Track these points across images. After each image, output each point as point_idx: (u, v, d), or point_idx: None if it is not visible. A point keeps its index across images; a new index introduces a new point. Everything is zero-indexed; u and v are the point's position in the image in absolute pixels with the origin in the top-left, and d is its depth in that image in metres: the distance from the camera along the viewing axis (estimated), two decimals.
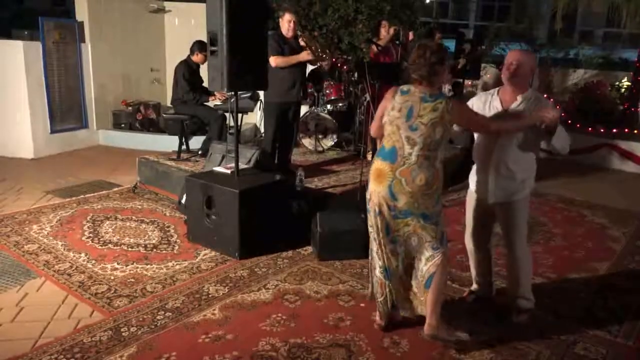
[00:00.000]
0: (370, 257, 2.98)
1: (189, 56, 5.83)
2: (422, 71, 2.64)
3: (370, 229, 2.88)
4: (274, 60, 4.66)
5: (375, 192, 2.74)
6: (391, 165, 2.67)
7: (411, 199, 2.67)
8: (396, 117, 2.67)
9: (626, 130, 7.71)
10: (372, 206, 2.79)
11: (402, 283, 2.89)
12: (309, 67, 6.49)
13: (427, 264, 2.76)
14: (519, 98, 2.87)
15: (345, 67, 7.04)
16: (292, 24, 4.76)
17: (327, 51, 5.30)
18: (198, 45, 5.74)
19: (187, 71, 5.72)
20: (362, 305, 3.27)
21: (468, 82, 7.68)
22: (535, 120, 2.73)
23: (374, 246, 2.89)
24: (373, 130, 2.94)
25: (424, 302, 2.81)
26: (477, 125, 2.86)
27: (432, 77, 2.65)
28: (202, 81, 5.88)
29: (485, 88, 7.80)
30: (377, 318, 3.01)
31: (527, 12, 11.89)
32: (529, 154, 2.91)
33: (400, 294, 2.91)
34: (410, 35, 5.86)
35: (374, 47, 5.68)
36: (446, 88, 7.43)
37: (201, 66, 5.69)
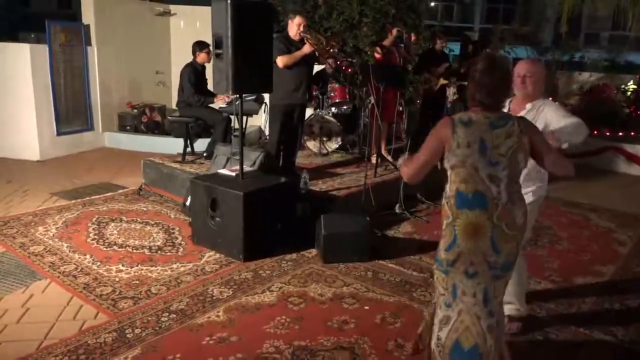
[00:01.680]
0: (435, 331, 2.31)
1: (193, 59, 5.85)
2: (492, 92, 2.17)
3: (443, 293, 2.27)
4: (281, 60, 4.67)
5: (471, 250, 2.16)
6: (486, 213, 2.15)
7: (514, 245, 2.19)
8: (467, 156, 2.14)
9: (632, 133, 7.67)
10: (460, 267, 2.19)
11: None
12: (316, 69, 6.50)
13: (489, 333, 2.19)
14: (528, 106, 2.83)
15: (349, 69, 7.05)
16: (302, 27, 4.77)
17: (333, 43, 5.26)
18: (197, 46, 5.77)
19: (193, 74, 5.74)
20: (367, 308, 3.27)
21: None
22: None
23: (449, 317, 2.25)
24: (412, 175, 2.34)
25: None
26: (542, 151, 2.24)
27: (502, 98, 2.24)
28: (207, 84, 5.90)
29: None
30: None
31: (532, 15, 11.85)
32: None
33: None
34: (413, 37, 5.87)
35: (378, 49, 5.69)
36: (451, 92, 7.42)
37: (207, 67, 5.71)
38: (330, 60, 5.86)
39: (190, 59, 5.87)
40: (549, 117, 2.75)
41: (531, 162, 2.32)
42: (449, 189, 2.24)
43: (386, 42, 5.75)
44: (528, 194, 2.72)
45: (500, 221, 2.15)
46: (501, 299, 2.27)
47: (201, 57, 5.77)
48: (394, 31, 5.74)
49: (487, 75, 2.17)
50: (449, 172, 2.24)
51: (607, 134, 7.72)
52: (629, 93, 8.65)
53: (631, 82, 8.72)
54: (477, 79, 2.19)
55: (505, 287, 2.27)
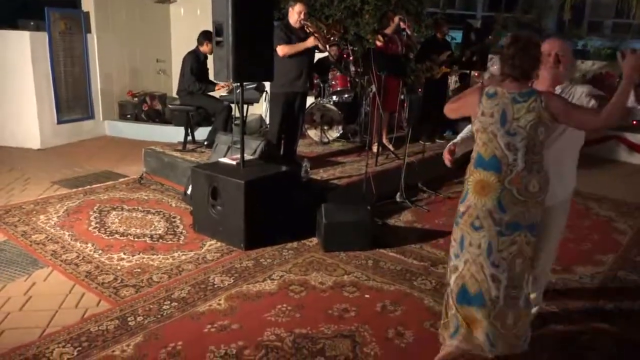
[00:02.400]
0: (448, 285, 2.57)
1: (197, 47, 5.81)
2: (517, 64, 2.31)
3: (453, 245, 2.53)
4: (281, 50, 4.64)
5: (478, 205, 2.40)
6: (498, 176, 2.36)
7: (522, 209, 2.38)
8: (490, 124, 2.36)
9: (634, 122, 7.63)
10: (467, 219, 2.45)
11: (501, 317, 2.45)
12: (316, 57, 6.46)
13: (528, 287, 2.49)
14: (557, 89, 2.60)
15: (351, 57, 7.01)
16: (302, 15, 4.72)
17: (334, 31, 5.20)
18: (203, 36, 5.73)
19: (195, 63, 5.71)
20: (367, 296, 3.28)
21: (475, 73, 7.64)
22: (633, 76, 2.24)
23: (456, 266, 2.51)
24: (447, 110, 2.62)
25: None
26: (579, 120, 2.36)
27: (531, 72, 2.35)
28: (208, 73, 5.87)
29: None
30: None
31: (535, 3, 11.76)
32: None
33: (497, 330, 2.46)
34: (403, 25, 5.82)
35: (380, 38, 5.64)
36: (452, 80, 7.38)
37: (209, 57, 5.68)
38: (333, 49, 5.82)
39: (191, 47, 5.84)
40: (577, 100, 2.58)
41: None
42: (474, 150, 2.49)
43: (388, 31, 5.71)
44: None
45: (511, 185, 2.36)
46: (507, 255, 2.41)
47: (207, 47, 5.72)
48: (396, 19, 5.70)
49: (512, 48, 2.33)
50: (475, 135, 2.48)
51: None
52: None
53: None
54: (504, 52, 2.36)
55: (513, 247, 2.41)
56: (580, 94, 2.60)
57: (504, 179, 2.36)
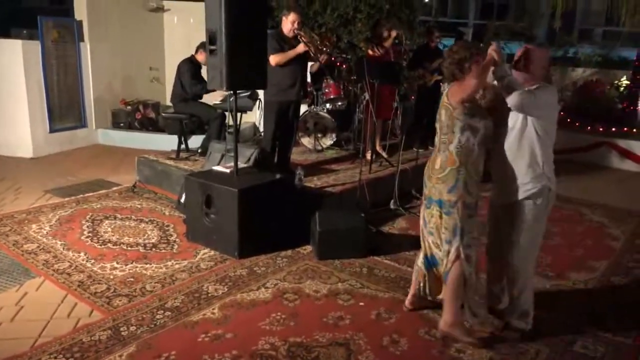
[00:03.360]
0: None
1: (193, 55, 5.82)
2: (447, 69, 2.82)
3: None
4: (273, 59, 4.65)
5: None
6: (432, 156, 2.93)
7: (432, 184, 2.84)
8: None
9: (625, 129, 7.71)
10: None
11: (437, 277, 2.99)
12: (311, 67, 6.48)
13: (444, 258, 2.85)
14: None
15: (344, 65, 7.04)
16: (296, 25, 4.72)
17: (327, 42, 5.22)
18: (202, 46, 5.75)
19: (192, 68, 5.72)
20: (362, 304, 3.27)
21: None
22: (489, 62, 2.67)
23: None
24: None
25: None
26: (466, 94, 2.72)
27: (454, 74, 2.81)
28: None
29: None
30: (407, 303, 3.18)
31: (526, 10, 11.87)
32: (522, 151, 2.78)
33: (434, 287, 3.04)
34: (393, 32, 5.89)
35: (376, 51, 5.66)
36: (445, 87, 7.40)
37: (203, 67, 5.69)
38: (323, 56, 5.82)
39: (184, 55, 5.85)
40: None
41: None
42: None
43: (386, 44, 5.75)
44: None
45: (430, 163, 2.93)
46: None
47: (201, 56, 5.74)
48: (393, 33, 5.74)
49: (448, 57, 2.84)
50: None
51: (600, 129, 7.76)
52: (621, 89, 8.67)
53: (624, 77, 8.75)
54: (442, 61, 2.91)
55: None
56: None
57: (431, 158, 2.91)
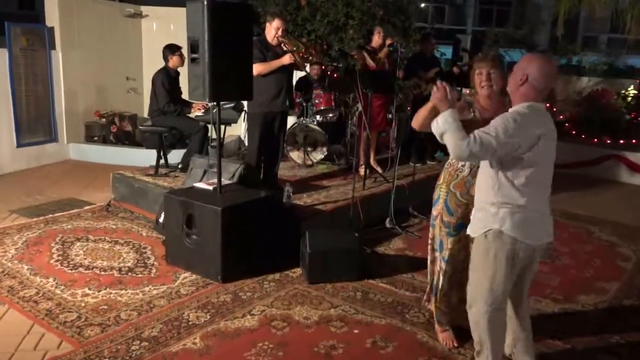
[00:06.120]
0: None
1: (165, 64, 5.83)
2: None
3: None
4: (255, 69, 4.66)
5: None
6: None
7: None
8: None
9: (634, 141, 7.81)
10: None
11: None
12: (297, 75, 6.51)
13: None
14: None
15: (335, 75, 7.10)
16: (280, 32, 4.75)
17: (312, 51, 5.27)
18: (168, 50, 5.76)
19: (167, 80, 5.72)
20: (356, 331, 3.25)
21: (466, 90, 7.78)
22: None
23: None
24: None
25: None
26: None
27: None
28: (181, 92, 5.87)
29: None
30: (425, 300, 3.46)
31: (526, 17, 12.11)
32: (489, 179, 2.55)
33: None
34: (389, 40, 5.96)
35: (370, 62, 5.71)
36: None
37: (181, 75, 5.70)
38: (315, 68, 5.87)
39: (163, 63, 5.86)
40: None
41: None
42: None
43: (382, 54, 5.81)
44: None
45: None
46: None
47: (173, 61, 5.75)
48: (388, 40, 5.82)
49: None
50: None
51: (608, 141, 7.86)
52: (629, 99, 8.82)
53: (631, 87, 8.90)
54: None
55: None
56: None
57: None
